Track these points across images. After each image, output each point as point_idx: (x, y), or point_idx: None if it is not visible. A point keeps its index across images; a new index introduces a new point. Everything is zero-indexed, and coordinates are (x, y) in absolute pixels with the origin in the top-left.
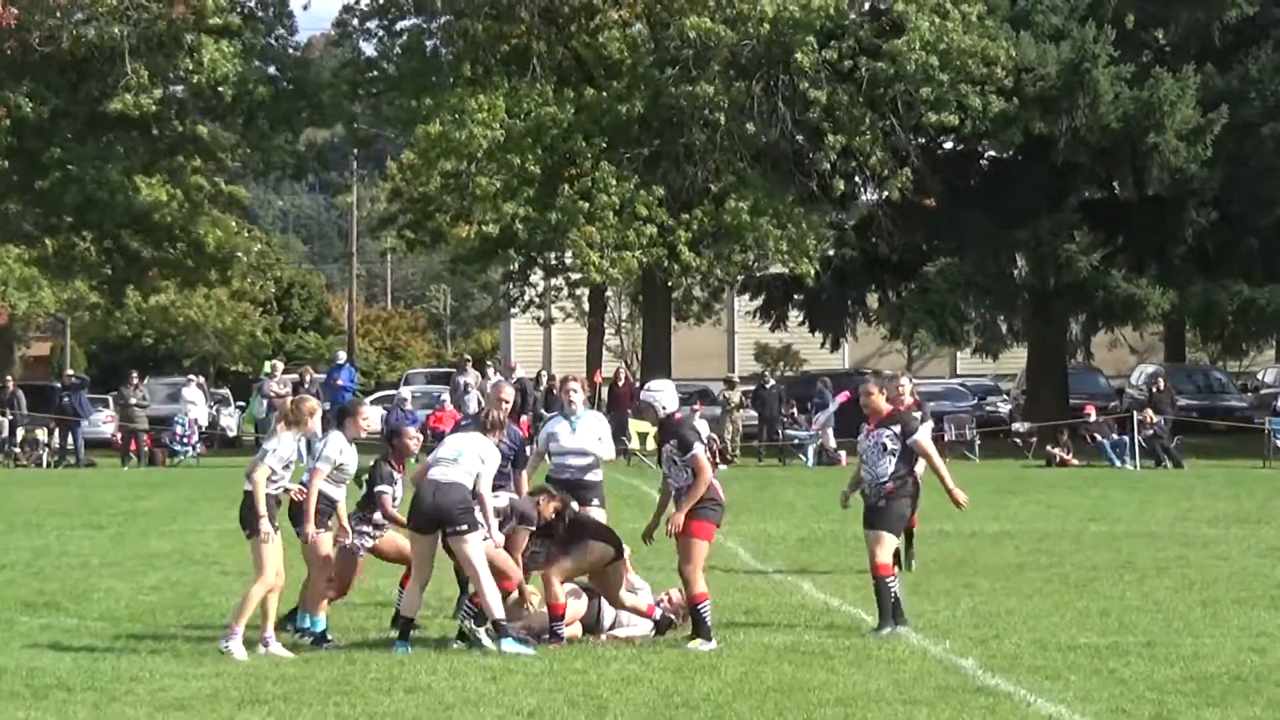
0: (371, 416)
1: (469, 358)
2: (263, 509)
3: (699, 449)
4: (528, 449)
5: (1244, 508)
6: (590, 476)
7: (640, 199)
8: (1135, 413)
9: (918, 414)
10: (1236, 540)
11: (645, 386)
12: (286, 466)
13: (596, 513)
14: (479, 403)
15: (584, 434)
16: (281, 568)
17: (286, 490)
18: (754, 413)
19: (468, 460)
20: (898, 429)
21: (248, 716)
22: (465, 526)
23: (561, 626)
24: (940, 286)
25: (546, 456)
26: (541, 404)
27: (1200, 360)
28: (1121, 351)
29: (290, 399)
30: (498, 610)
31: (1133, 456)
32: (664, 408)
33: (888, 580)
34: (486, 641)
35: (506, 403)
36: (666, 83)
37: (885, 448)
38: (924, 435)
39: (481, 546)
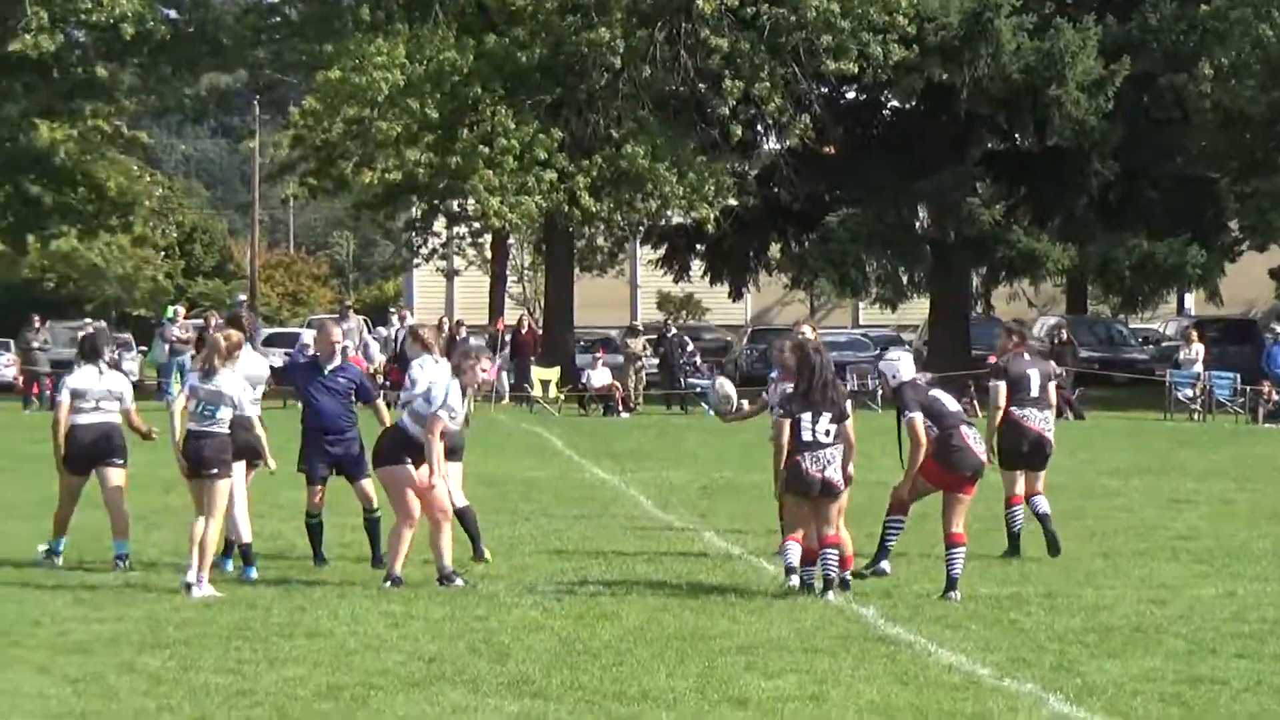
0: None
1: (349, 304)
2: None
3: (912, 416)
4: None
5: (1144, 459)
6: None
7: (540, 144)
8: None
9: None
10: (1137, 492)
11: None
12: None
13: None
14: (375, 348)
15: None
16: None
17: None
18: (656, 361)
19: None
20: None
21: (148, 660)
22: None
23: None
24: (842, 236)
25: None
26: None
27: (1101, 312)
28: (1021, 304)
29: (220, 334)
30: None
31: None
32: (893, 376)
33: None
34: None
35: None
36: (568, 30)
37: None
38: None
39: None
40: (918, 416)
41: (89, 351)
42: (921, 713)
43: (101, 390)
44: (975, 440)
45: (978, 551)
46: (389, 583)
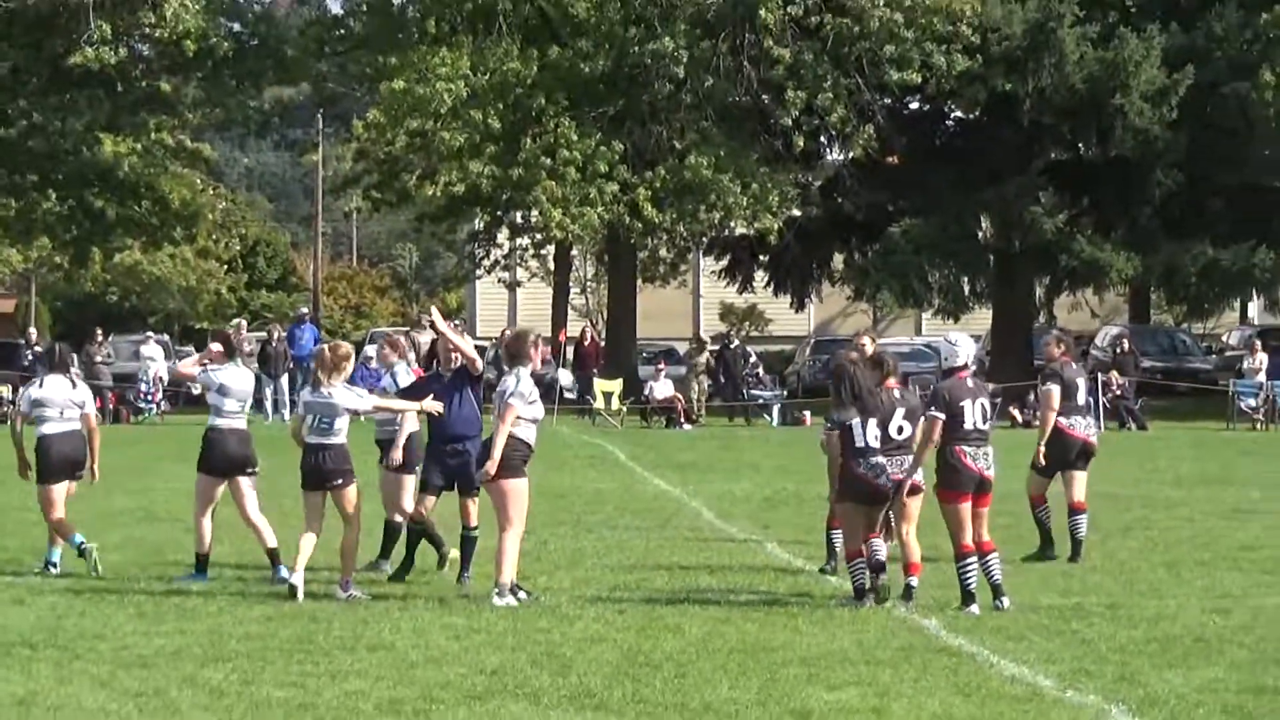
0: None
1: (417, 317)
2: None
3: (936, 417)
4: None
5: (1207, 469)
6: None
7: (602, 155)
8: (1100, 374)
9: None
10: (1200, 502)
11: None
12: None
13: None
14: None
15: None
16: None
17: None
18: (720, 372)
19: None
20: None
21: (210, 674)
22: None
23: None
24: (905, 247)
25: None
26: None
27: (1165, 322)
28: (1084, 314)
29: (326, 347)
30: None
31: (1097, 418)
32: (946, 357)
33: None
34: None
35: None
36: (631, 41)
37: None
38: None
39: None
40: (940, 419)
41: (57, 363)
42: None
43: (64, 400)
44: (972, 458)
45: (1039, 562)
46: (508, 597)
